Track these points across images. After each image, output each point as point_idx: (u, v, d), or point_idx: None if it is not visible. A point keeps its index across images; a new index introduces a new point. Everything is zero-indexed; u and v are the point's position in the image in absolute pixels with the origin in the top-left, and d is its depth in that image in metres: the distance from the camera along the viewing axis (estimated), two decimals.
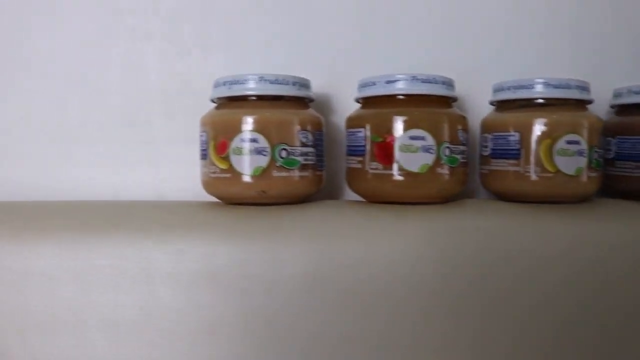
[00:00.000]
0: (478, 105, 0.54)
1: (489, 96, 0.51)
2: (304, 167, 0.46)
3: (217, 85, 0.47)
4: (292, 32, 0.56)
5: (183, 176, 0.54)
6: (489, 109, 0.52)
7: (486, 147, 0.50)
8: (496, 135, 0.48)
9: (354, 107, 0.50)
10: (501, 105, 0.50)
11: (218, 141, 0.45)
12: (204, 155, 0.47)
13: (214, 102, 0.49)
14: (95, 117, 0.56)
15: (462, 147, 0.47)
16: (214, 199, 0.49)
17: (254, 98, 0.46)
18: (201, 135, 0.47)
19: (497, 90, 0.50)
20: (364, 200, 0.50)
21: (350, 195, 0.52)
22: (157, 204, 0.49)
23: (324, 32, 0.56)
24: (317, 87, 0.52)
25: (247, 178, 0.44)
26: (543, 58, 0.57)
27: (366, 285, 0.42)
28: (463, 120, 0.48)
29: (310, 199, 0.50)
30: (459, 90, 0.50)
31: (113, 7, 0.55)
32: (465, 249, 0.43)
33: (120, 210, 0.47)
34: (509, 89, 0.49)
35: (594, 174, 0.47)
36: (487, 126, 0.50)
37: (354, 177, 0.48)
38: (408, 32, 0.56)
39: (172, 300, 0.42)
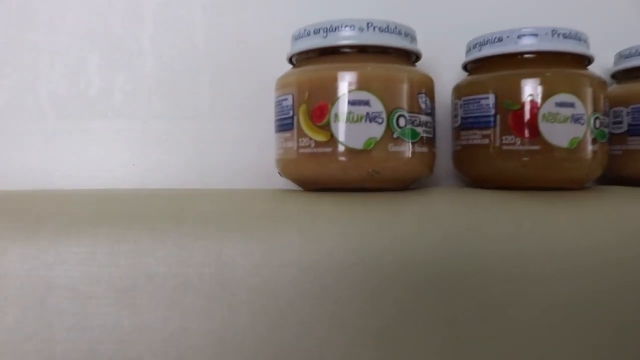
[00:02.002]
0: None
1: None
2: (423, 140, 0.35)
3: (303, 35, 0.36)
4: None
5: (234, 157, 0.42)
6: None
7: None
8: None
9: (456, 73, 0.40)
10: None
11: (313, 105, 0.34)
12: (287, 126, 0.35)
13: (291, 62, 0.37)
14: (121, 84, 0.43)
15: (607, 119, 0.38)
16: (279, 185, 0.37)
17: (351, 51, 0.35)
18: (282, 100, 0.36)
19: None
20: (474, 186, 0.40)
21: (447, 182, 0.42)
22: (229, 193, 0.37)
23: None
24: None
25: (356, 153, 0.33)
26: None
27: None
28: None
29: (418, 184, 0.39)
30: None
31: None
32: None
33: (184, 200, 0.35)
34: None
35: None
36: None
37: (475, 156, 0.38)
38: None
39: (257, 320, 0.30)
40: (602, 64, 0.45)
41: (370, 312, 0.31)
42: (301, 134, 0.34)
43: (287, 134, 0.35)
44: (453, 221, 0.32)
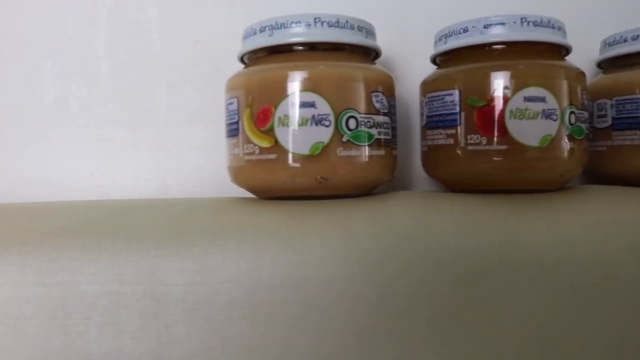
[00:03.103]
0: None
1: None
2: (378, 143, 0.32)
3: (249, 33, 0.34)
4: None
5: (195, 165, 0.40)
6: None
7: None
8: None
9: (427, 69, 0.37)
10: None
11: (257, 109, 0.32)
12: (234, 132, 0.33)
13: (243, 61, 0.35)
14: (76, 91, 0.41)
15: (586, 114, 0.35)
16: (237, 193, 0.35)
17: (303, 48, 0.33)
18: (229, 104, 0.33)
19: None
20: (446, 189, 0.37)
21: (421, 186, 0.39)
22: (170, 202, 0.35)
23: None
24: None
25: (300, 159, 0.31)
26: None
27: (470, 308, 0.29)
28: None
29: (376, 191, 0.37)
30: None
31: None
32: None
33: (119, 213, 0.33)
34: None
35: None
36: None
37: (440, 158, 0.35)
38: None
39: (194, 338, 0.28)
40: (592, 53, 0.41)
41: (312, 327, 0.29)
42: (246, 139, 0.32)
43: (234, 140, 0.33)
44: (397, 230, 0.30)
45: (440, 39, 0.36)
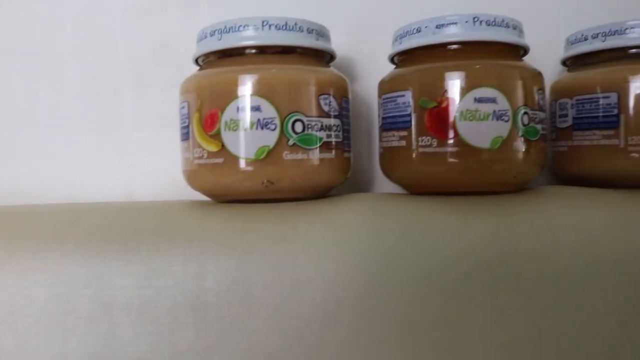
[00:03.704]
0: None
1: None
2: (326, 146, 0.32)
3: (202, 37, 0.34)
4: None
5: (161, 168, 0.40)
6: None
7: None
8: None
9: (383, 71, 0.37)
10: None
11: (205, 113, 0.32)
12: (186, 135, 0.33)
13: (198, 64, 0.35)
14: (44, 95, 0.42)
15: (541, 114, 0.34)
16: (201, 196, 0.36)
17: (254, 51, 0.33)
18: (181, 108, 0.34)
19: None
20: (404, 191, 0.37)
21: (383, 187, 0.39)
22: (123, 206, 0.36)
23: None
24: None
25: (246, 163, 0.31)
26: None
27: (417, 311, 0.29)
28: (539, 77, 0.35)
29: (332, 193, 0.37)
30: None
31: None
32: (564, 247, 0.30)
33: (71, 216, 0.34)
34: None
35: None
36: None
37: (395, 160, 0.35)
38: None
39: (139, 342, 0.29)
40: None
41: (256, 330, 0.29)
42: (195, 143, 0.32)
43: (186, 144, 0.33)
44: (340, 234, 0.30)
45: (396, 39, 0.36)
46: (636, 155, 0.34)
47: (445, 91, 0.32)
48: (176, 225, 0.31)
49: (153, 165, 0.41)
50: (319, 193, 0.34)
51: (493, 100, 0.32)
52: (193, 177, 0.33)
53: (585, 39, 0.37)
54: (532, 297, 0.29)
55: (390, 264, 0.29)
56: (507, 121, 0.32)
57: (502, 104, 0.32)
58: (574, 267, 0.30)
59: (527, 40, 0.36)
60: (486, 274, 0.29)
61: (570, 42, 0.38)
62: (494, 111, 0.32)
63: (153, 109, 0.41)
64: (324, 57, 0.35)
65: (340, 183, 0.35)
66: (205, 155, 0.32)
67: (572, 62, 0.39)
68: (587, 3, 0.44)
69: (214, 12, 0.41)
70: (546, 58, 0.41)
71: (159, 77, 0.41)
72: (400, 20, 0.36)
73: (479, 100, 0.32)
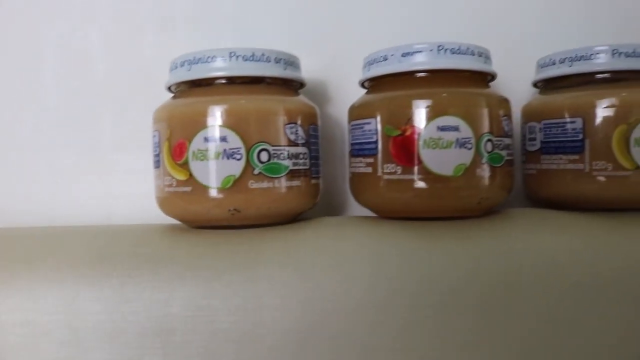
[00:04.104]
0: None
1: None
2: (293, 174, 0.33)
3: (173, 67, 0.35)
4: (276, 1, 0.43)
5: (139, 191, 0.41)
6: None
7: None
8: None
9: (359, 94, 0.38)
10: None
11: (174, 142, 0.33)
12: (157, 163, 0.34)
13: (171, 91, 0.36)
14: (25, 118, 0.43)
15: (507, 140, 0.35)
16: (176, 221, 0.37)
17: (223, 82, 0.34)
18: (153, 136, 0.35)
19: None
20: (375, 215, 0.38)
21: (356, 210, 0.40)
22: (96, 230, 0.37)
23: None
24: (308, 69, 0.40)
25: (213, 192, 0.32)
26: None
27: (379, 337, 0.29)
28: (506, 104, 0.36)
29: (303, 216, 0.37)
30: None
31: None
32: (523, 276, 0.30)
33: (43, 241, 0.35)
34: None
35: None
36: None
37: (362, 185, 0.36)
38: None
39: None
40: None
41: (222, 357, 0.30)
42: (166, 172, 0.33)
43: (157, 171, 0.34)
44: (305, 260, 0.30)
45: (365, 66, 0.37)
46: (601, 179, 0.34)
47: (409, 119, 0.33)
48: (146, 251, 0.32)
49: (131, 188, 0.42)
50: (288, 219, 0.35)
51: (456, 129, 0.33)
52: (164, 204, 0.34)
53: (554, 63, 0.37)
54: (495, 321, 0.30)
55: (350, 289, 0.30)
56: (470, 149, 0.33)
57: (465, 131, 0.33)
58: (535, 291, 0.30)
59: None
60: (447, 301, 0.30)
61: (540, 66, 0.39)
62: (457, 139, 0.33)
63: (131, 132, 0.42)
64: (292, 85, 0.36)
65: (308, 209, 0.36)
66: (175, 183, 0.33)
67: (543, 85, 0.39)
68: (571, 23, 0.44)
69: (190, 38, 0.42)
70: (522, 79, 0.41)
71: (137, 101, 0.42)
72: (377, 44, 0.37)
73: (442, 128, 0.33)
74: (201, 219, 0.34)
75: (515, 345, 0.30)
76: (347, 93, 0.40)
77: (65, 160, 0.43)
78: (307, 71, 0.41)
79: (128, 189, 0.42)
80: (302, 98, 0.36)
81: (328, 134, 0.42)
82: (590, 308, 0.30)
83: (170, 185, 0.33)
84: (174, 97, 0.35)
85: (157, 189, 0.34)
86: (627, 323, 0.30)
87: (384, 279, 0.30)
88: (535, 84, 0.40)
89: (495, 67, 0.37)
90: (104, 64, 0.43)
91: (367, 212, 0.39)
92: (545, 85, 0.39)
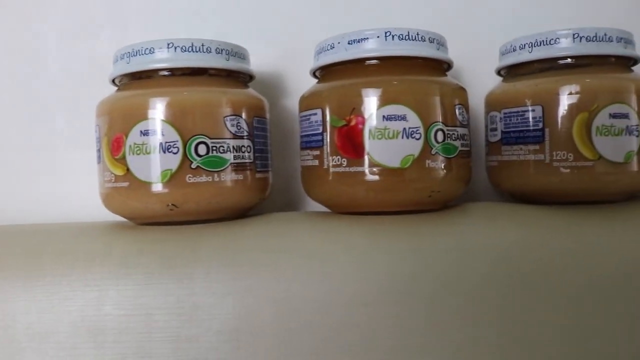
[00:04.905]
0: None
1: None
2: (236, 167, 0.32)
3: (115, 60, 0.34)
4: None
5: (90, 188, 0.40)
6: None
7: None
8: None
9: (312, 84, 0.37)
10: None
11: (112, 136, 0.32)
12: (99, 159, 0.33)
13: (115, 84, 0.35)
14: None
15: (462, 130, 0.33)
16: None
17: (165, 74, 0.33)
18: (95, 131, 0.34)
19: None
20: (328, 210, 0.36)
21: (315, 205, 0.38)
22: (35, 228, 0.36)
23: None
24: (264, 61, 0.39)
25: (150, 187, 0.31)
26: None
27: (323, 342, 0.28)
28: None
29: (253, 212, 0.36)
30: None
31: None
32: (469, 275, 0.29)
33: None
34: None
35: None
36: None
37: (311, 180, 0.35)
38: None
39: None
40: None
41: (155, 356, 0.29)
42: (105, 167, 0.32)
43: (99, 167, 0.34)
44: (242, 258, 0.29)
45: (315, 55, 0.35)
46: (562, 170, 0.33)
47: (354, 109, 0.32)
48: (80, 249, 0.31)
49: (83, 186, 0.41)
50: (234, 214, 0.34)
51: (403, 118, 0.31)
52: (106, 200, 0.33)
53: (514, 50, 0.36)
54: (440, 320, 0.28)
55: (287, 288, 0.29)
56: (418, 139, 0.31)
57: (413, 121, 0.31)
58: (484, 287, 0.29)
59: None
60: (393, 298, 0.29)
61: (502, 53, 0.37)
62: (404, 129, 0.31)
63: (84, 129, 0.41)
64: (240, 77, 0.35)
65: (255, 203, 0.34)
66: (113, 178, 0.32)
67: (506, 73, 0.37)
68: (538, 6, 0.43)
69: (144, 33, 0.41)
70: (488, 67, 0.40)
71: (91, 97, 0.41)
72: (335, 33, 0.36)
73: (388, 118, 0.31)
74: (142, 215, 0.33)
75: (463, 340, 0.28)
76: (304, 84, 0.39)
77: (16, 158, 0.42)
78: (265, 64, 0.40)
79: (80, 187, 0.41)
80: (248, 90, 0.35)
81: (286, 128, 0.41)
82: (538, 303, 0.28)
83: (109, 181, 0.32)
84: (117, 91, 0.35)
85: (100, 185, 0.34)
86: (577, 316, 0.28)
87: (320, 276, 0.29)
88: (499, 72, 0.38)
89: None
90: (57, 60, 0.42)
91: (324, 208, 0.38)
92: (508, 72, 0.37)
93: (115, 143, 0.32)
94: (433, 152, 0.32)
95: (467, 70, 0.42)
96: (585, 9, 0.43)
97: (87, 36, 0.42)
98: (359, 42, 0.33)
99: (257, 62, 0.40)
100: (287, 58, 0.41)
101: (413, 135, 0.31)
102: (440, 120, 0.32)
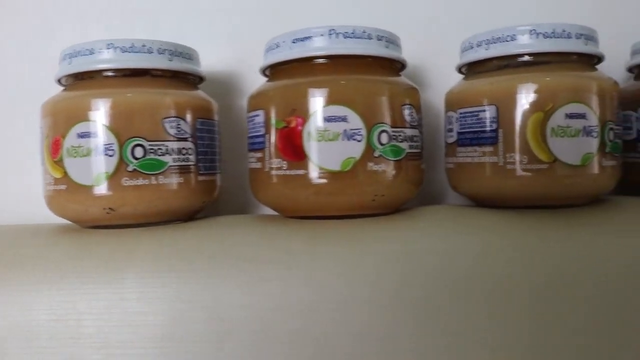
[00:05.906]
0: None
1: None
2: (177, 170, 0.31)
3: (60, 60, 0.34)
4: None
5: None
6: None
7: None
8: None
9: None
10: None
11: (51, 139, 0.31)
12: (42, 160, 0.33)
13: (61, 84, 0.35)
14: None
15: (410, 132, 0.32)
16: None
17: (108, 75, 0.32)
18: (40, 133, 0.34)
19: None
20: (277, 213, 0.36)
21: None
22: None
23: None
24: (221, 62, 0.38)
25: (87, 191, 0.30)
26: None
27: (252, 348, 0.27)
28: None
29: (202, 214, 0.35)
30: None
31: None
32: (422, 282, 0.27)
33: None
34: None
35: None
36: None
37: (256, 183, 0.34)
38: None
39: None
40: None
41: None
42: (46, 169, 0.32)
43: (42, 169, 0.33)
44: (179, 264, 0.28)
45: (264, 54, 0.34)
46: (517, 173, 0.31)
47: (294, 110, 0.31)
48: (11, 253, 0.31)
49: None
50: (178, 217, 0.33)
51: (343, 119, 0.30)
52: (49, 203, 0.33)
53: (472, 47, 0.34)
54: (384, 330, 0.27)
55: (220, 295, 0.28)
56: (360, 141, 0.30)
57: (354, 122, 0.30)
58: (435, 294, 0.27)
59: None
60: (327, 305, 0.28)
61: (462, 50, 0.35)
62: (345, 130, 0.30)
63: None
64: (187, 78, 0.34)
65: (200, 206, 0.34)
66: (53, 181, 0.31)
67: (466, 71, 0.36)
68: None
69: (107, 31, 0.41)
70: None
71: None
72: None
73: (328, 119, 0.30)
74: (82, 219, 0.32)
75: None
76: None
77: None
78: (221, 64, 0.39)
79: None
80: (194, 92, 0.34)
81: (241, 129, 0.40)
82: (481, 311, 0.27)
83: (50, 184, 0.32)
84: (62, 91, 0.34)
85: (43, 188, 0.33)
86: (529, 327, 0.27)
87: (253, 282, 0.28)
88: (459, 70, 0.37)
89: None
90: (14, 63, 0.42)
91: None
92: (468, 70, 0.36)
93: (54, 145, 0.31)
94: (376, 154, 0.30)
95: (432, 69, 0.41)
96: (558, 6, 0.41)
97: (48, 34, 0.42)
98: (302, 40, 0.32)
99: (213, 63, 0.39)
100: (243, 59, 0.41)
101: (354, 137, 0.30)
102: (385, 122, 0.31)
